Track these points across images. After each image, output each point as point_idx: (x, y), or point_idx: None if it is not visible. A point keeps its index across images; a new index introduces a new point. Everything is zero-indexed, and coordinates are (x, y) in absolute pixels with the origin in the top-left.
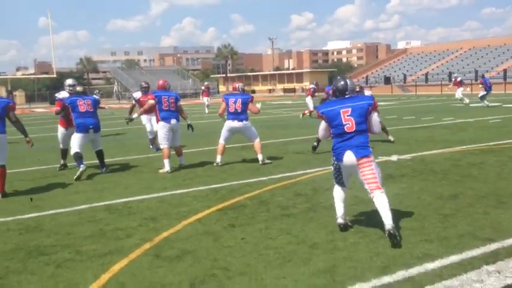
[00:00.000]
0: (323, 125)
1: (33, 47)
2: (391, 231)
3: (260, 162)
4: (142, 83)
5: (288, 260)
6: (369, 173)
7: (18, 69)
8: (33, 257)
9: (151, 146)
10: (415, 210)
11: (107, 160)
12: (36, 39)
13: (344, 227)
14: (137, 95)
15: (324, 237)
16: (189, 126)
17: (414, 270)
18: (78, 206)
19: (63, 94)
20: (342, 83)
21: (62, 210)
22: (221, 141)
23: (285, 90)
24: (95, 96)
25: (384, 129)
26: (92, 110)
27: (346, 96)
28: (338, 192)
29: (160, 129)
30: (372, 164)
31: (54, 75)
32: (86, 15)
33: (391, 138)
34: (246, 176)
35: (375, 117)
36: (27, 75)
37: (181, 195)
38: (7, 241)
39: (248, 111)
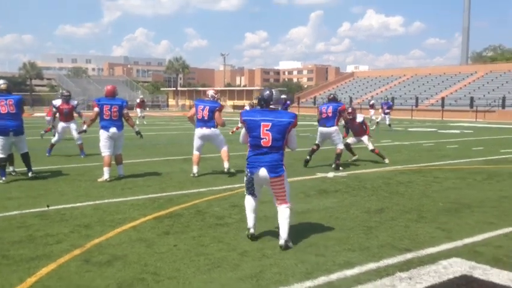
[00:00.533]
0: (243, 131)
1: None
2: (284, 245)
3: (225, 170)
4: (64, 92)
5: (217, 265)
6: (279, 190)
7: None
8: None
9: (48, 154)
10: (343, 222)
11: (44, 168)
12: None
13: (255, 237)
14: (57, 102)
15: (255, 245)
16: (138, 133)
17: (334, 276)
18: (9, 212)
19: None
20: (268, 92)
21: None
22: (195, 151)
23: (235, 107)
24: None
25: (379, 154)
26: (13, 112)
27: (271, 107)
28: (250, 203)
29: (100, 137)
30: (283, 182)
31: None
32: (33, 18)
33: (386, 161)
34: (185, 187)
35: (293, 135)
36: None
37: (118, 203)
38: None
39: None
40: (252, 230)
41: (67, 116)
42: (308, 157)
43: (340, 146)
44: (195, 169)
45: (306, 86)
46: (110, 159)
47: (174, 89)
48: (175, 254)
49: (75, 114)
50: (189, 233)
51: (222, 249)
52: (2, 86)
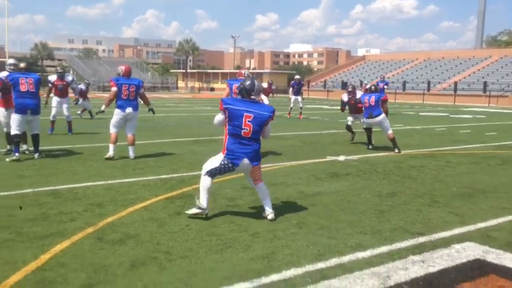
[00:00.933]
0: (221, 117)
1: None
2: (273, 218)
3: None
4: (58, 68)
5: (228, 246)
6: (258, 173)
7: None
8: None
9: (50, 132)
10: (355, 205)
11: (55, 147)
12: None
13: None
14: (52, 78)
15: (266, 226)
16: (150, 109)
17: (346, 258)
18: (22, 190)
19: (3, 74)
20: (249, 82)
21: (5, 193)
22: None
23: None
24: (69, 78)
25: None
26: (33, 90)
27: (252, 98)
28: (209, 184)
29: (115, 116)
30: (260, 167)
31: (7, 59)
32: None
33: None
34: (196, 168)
35: (269, 127)
36: None
37: (130, 183)
38: None
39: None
40: (206, 210)
41: (62, 92)
42: (370, 146)
43: (391, 130)
44: None
45: (316, 69)
46: (116, 137)
47: (184, 71)
48: (187, 233)
49: (70, 94)
50: None
51: (234, 230)
52: (22, 65)
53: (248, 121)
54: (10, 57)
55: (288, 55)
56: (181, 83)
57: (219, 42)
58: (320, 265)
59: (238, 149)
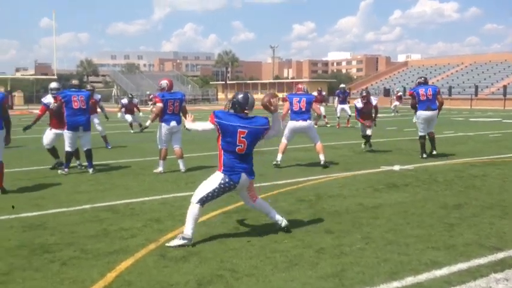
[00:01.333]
0: (209, 126)
1: (34, 47)
2: (286, 223)
3: (322, 163)
4: (88, 86)
5: (294, 263)
6: (252, 187)
7: (17, 70)
8: (38, 254)
9: (108, 147)
10: (420, 218)
11: (107, 162)
12: (37, 40)
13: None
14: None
15: (330, 242)
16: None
17: (423, 277)
18: (80, 205)
19: (48, 99)
20: (242, 95)
21: (65, 209)
22: (284, 140)
23: (284, 100)
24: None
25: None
26: (84, 107)
27: (246, 112)
28: (199, 212)
29: (160, 130)
30: (253, 181)
31: (55, 77)
32: (88, 17)
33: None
34: None
35: (279, 126)
36: (27, 75)
37: (184, 197)
38: (11, 238)
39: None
40: (192, 241)
41: (91, 109)
42: (424, 155)
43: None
44: (279, 157)
45: (355, 77)
46: (166, 153)
47: (223, 82)
48: (249, 250)
49: (98, 110)
50: (260, 228)
51: (297, 245)
52: (74, 81)
53: (242, 137)
54: (58, 74)
55: (326, 63)
56: (220, 95)
57: (257, 53)
58: (395, 284)
59: (236, 164)
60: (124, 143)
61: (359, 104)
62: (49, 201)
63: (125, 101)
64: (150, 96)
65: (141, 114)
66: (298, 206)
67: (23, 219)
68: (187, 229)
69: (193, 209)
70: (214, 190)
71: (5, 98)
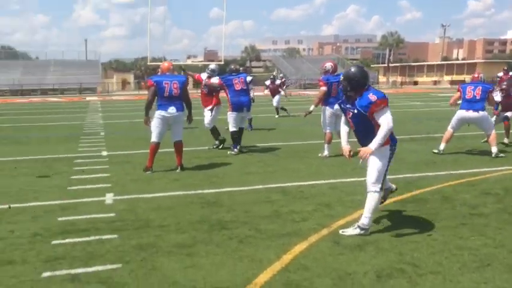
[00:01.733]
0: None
1: (203, 36)
2: None
3: (493, 155)
4: (211, 65)
5: (486, 263)
6: None
7: (188, 57)
8: (216, 230)
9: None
10: None
11: (270, 144)
12: (206, 29)
13: None
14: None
15: None
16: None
17: None
18: (253, 185)
19: (203, 76)
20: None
21: (238, 188)
22: (449, 128)
23: (452, 82)
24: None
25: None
26: (245, 88)
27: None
28: (379, 200)
29: (324, 114)
30: None
31: (222, 62)
32: (254, 4)
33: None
34: (419, 169)
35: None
36: (196, 62)
37: (352, 183)
38: (192, 213)
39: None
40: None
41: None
42: None
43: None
44: (442, 146)
45: None
46: (331, 137)
47: (385, 65)
48: (431, 244)
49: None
50: (441, 221)
51: (487, 244)
52: (234, 66)
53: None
54: (225, 60)
55: (504, 42)
56: (381, 78)
57: (423, 33)
58: None
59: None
60: (283, 127)
61: (498, 97)
62: (223, 180)
63: (267, 82)
64: (283, 80)
65: (282, 93)
66: (484, 199)
67: (201, 196)
68: (366, 219)
69: (375, 197)
70: (384, 165)
71: (186, 81)
